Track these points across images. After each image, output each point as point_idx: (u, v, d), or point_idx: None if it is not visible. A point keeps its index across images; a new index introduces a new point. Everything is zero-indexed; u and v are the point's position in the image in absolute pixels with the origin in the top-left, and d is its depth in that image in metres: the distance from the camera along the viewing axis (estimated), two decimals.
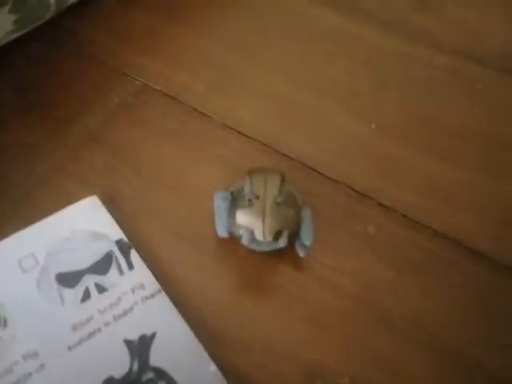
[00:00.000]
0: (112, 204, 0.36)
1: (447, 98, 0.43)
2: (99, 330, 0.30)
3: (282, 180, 0.33)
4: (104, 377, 0.28)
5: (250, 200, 0.33)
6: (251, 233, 0.32)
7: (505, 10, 0.50)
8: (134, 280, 0.32)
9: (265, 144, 0.40)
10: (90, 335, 0.30)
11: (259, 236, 0.32)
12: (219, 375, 0.29)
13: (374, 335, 0.32)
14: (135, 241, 0.34)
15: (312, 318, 0.32)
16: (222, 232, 0.34)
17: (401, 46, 0.47)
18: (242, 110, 0.42)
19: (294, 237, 0.33)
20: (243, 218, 0.32)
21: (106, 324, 0.30)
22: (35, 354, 0.29)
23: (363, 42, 0.47)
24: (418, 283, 0.33)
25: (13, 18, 0.40)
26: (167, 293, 0.32)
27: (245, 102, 0.43)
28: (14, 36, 0.42)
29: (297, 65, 0.45)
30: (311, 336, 0.31)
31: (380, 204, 0.37)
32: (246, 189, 0.33)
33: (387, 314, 0.32)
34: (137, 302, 0.31)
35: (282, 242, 0.32)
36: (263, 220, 0.32)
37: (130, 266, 0.32)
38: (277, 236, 0.32)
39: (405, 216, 0.36)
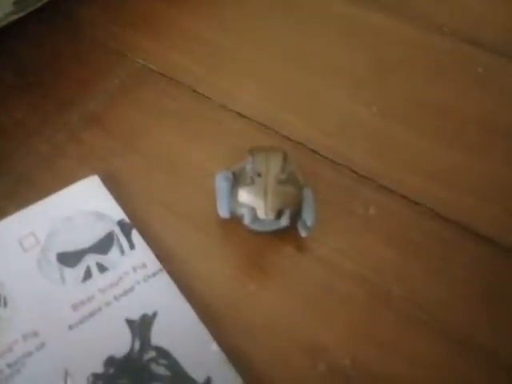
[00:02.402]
0: (113, 184, 0.35)
1: (448, 81, 0.43)
2: (100, 309, 0.30)
3: (285, 158, 0.33)
4: (105, 356, 0.28)
5: (251, 178, 0.32)
6: (253, 211, 0.32)
7: None
8: (136, 260, 0.32)
9: (265, 125, 0.40)
10: (91, 314, 0.30)
11: (261, 214, 0.32)
12: (221, 354, 0.29)
13: (375, 316, 0.31)
14: (137, 221, 0.34)
15: (314, 298, 0.32)
16: (223, 212, 0.33)
17: (402, 29, 0.47)
18: (241, 92, 0.42)
19: (295, 217, 0.33)
20: (245, 196, 0.32)
21: (107, 303, 0.30)
22: (35, 334, 0.29)
23: (364, 25, 0.47)
24: (420, 264, 0.33)
25: None
26: (169, 272, 0.32)
27: (244, 84, 0.42)
28: (13, 17, 0.42)
29: (297, 48, 0.45)
30: (313, 317, 0.31)
31: (381, 186, 0.37)
32: (248, 167, 0.33)
33: (389, 295, 0.32)
34: (138, 281, 0.31)
35: (284, 221, 0.32)
36: (265, 198, 0.32)
37: (132, 246, 0.32)
38: (279, 215, 0.32)
39: (405, 197, 0.36)
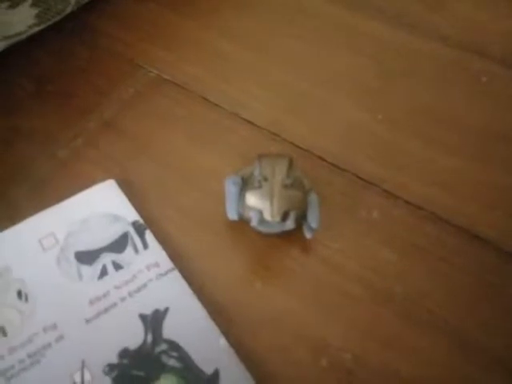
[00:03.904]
0: (128, 188, 0.37)
1: (452, 90, 0.44)
2: (115, 304, 0.32)
3: (290, 164, 0.34)
4: (120, 348, 0.30)
5: (259, 182, 0.34)
6: (260, 214, 0.33)
7: (511, 5, 0.51)
8: (149, 259, 0.33)
9: (273, 133, 0.41)
10: (107, 309, 0.31)
11: (268, 216, 0.33)
12: (228, 348, 0.30)
13: (377, 315, 0.33)
14: (150, 222, 0.35)
15: (317, 297, 0.33)
16: (232, 215, 0.35)
17: (407, 39, 0.48)
18: (250, 100, 0.43)
19: (301, 220, 0.35)
20: (252, 199, 0.34)
21: (122, 299, 0.32)
22: (54, 326, 0.31)
23: (370, 35, 0.48)
24: (422, 266, 0.35)
25: (34, 12, 0.42)
26: (180, 271, 0.33)
27: (254, 92, 0.44)
28: (35, 30, 0.44)
29: (306, 56, 0.47)
30: (317, 315, 0.33)
31: (385, 191, 0.38)
32: (256, 172, 0.34)
33: (391, 295, 0.33)
34: (151, 279, 0.32)
35: (290, 223, 0.33)
36: (271, 201, 0.33)
37: (145, 246, 0.34)
38: (284, 217, 0.33)
39: (409, 202, 0.37)
